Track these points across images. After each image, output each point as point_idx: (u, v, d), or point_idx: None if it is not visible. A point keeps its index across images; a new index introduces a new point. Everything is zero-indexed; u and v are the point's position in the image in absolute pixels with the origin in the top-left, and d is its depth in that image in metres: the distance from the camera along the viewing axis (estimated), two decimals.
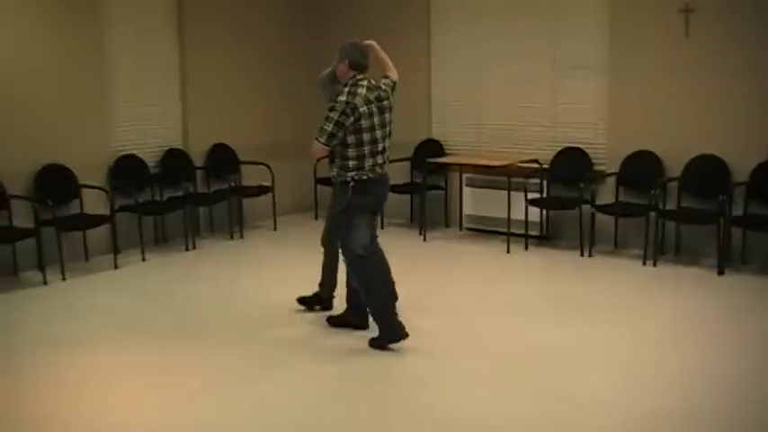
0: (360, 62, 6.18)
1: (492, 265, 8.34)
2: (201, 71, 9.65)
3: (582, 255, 8.42)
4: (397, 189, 9.72)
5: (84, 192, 8.58)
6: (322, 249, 6.78)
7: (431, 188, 9.64)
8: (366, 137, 6.03)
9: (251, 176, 9.89)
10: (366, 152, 6.05)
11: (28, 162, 8.27)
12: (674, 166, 8.32)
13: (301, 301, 6.89)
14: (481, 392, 5.31)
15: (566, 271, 8.09)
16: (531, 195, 8.76)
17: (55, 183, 8.39)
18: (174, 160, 9.45)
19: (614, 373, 5.59)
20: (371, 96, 6.07)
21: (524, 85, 9.22)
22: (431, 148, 9.82)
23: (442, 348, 6.09)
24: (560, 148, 8.96)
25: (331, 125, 5.95)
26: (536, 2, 9.07)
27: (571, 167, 8.81)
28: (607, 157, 8.74)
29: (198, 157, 9.66)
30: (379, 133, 6.10)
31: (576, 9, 8.83)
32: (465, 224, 9.66)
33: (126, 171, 8.95)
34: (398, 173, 9.86)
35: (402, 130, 9.99)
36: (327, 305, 6.80)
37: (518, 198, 8.74)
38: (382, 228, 9.82)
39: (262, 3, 10.31)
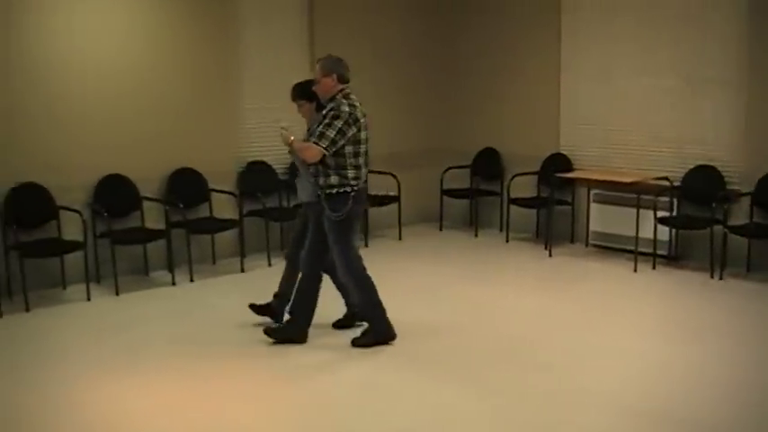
0: (346, 75, 6.25)
1: (618, 284, 8.15)
2: None
3: (712, 277, 8.16)
4: (522, 203, 9.66)
5: (214, 196, 8.78)
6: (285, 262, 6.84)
7: (557, 203, 9.52)
8: (362, 148, 6.19)
9: (377, 185, 9.95)
10: (361, 162, 6.21)
11: (160, 165, 8.52)
12: None
13: (254, 307, 6.84)
14: (597, 412, 5.19)
15: (694, 293, 7.82)
16: (660, 213, 8.54)
17: (186, 186, 8.63)
18: None
19: (739, 401, 5.39)
20: (362, 110, 6.20)
21: (656, 99, 8.99)
22: (558, 162, 9.69)
23: (561, 364, 6.01)
24: (692, 166, 8.70)
25: (334, 132, 6.02)
26: (669, 15, 8.81)
27: (703, 186, 8.55)
28: (742, 175, 8.43)
29: None
30: (368, 146, 6.28)
31: (712, 21, 8.54)
32: (591, 240, 9.49)
33: (255, 176, 9.13)
34: (525, 187, 9.79)
35: (529, 144, 10.01)
36: (279, 318, 6.72)
37: (647, 216, 8.54)
38: (507, 242, 9.79)
39: (393, 13, 10.38)
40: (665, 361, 6.07)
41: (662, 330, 6.79)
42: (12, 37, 7.63)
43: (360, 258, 6.43)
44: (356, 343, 6.36)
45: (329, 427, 5.08)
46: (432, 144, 10.81)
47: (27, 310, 7.31)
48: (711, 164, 8.59)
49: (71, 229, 7.83)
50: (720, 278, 8.12)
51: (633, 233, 8.58)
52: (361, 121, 6.14)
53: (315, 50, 9.52)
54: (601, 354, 6.23)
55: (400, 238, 10.00)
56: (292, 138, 6.23)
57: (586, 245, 9.51)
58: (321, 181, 6.16)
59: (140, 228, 8.31)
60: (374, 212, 9.89)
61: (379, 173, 9.81)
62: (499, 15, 10.28)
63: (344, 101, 6.11)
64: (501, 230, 10.16)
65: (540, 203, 9.70)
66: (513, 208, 9.78)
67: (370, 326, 6.42)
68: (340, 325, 6.76)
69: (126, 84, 8.28)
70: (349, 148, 6.09)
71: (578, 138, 9.69)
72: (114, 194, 8.18)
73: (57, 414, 5.24)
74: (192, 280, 8.21)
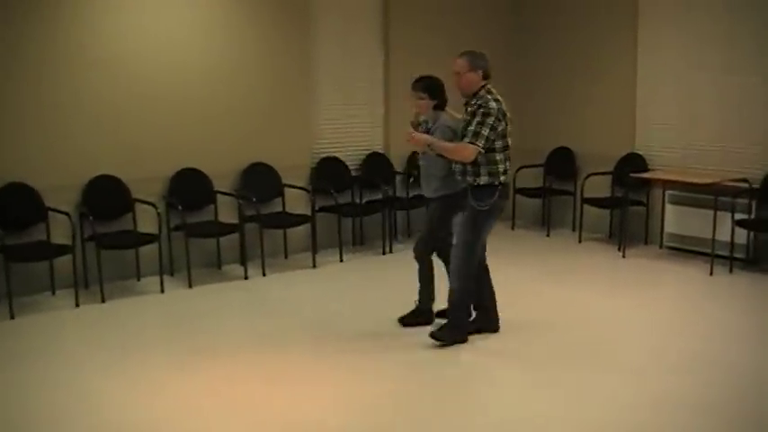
0: (489, 71, 6.18)
1: (693, 287, 7.98)
2: (404, 77, 9.72)
3: None
4: (596, 203, 9.55)
5: (287, 191, 8.83)
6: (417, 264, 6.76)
7: (632, 203, 9.39)
8: (509, 141, 6.16)
9: None
10: (509, 156, 6.18)
11: (235, 160, 8.60)
12: None
13: (403, 321, 6.75)
14: (675, 415, 5.10)
15: None
16: (738, 216, 8.37)
17: (259, 181, 8.69)
18: (375, 164, 9.59)
19: None
20: (504, 104, 6.14)
21: (734, 98, 8.78)
22: (633, 162, 9.55)
23: (635, 366, 5.90)
24: None
25: (488, 130, 5.99)
26: (748, 12, 8.58)
27: None
28: None
29: (398, 162, 9.76)
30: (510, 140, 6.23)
31: None
32: (666, 242, 9.34)
33: (327, 172, 9.17)
34: (599, 187, 9.68)
35: (604, 144, 9.89)
36: (429, 318, 6.69)
37: (724, 218, 8.38)
38: (580, 242, 9.68)
39: (468, 14, 10.32)
40: (741, 365, 5.93)
41: (739, 335, 6.63)
42: (103, 37, 7.77)
43: (479, 258, 6.36)
44: (434, 335, 6.29)
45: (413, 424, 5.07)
46: (514, 143, 10.72)
47: (103, 300, 7.43)
48: None
49: (146, 221, 7.94)
50: None
51: (709, 235, 8.42)
52: (509, 115, 6.13)
53: (389, 50, 9.56)
54: (676, 357, 6.11)
55: None
56: (432, 139, 6.22)
57: (660, 246, 9.37)
58: (470, 179, 6.13)
59: (214, 221, 8.39)
60: None
61: None
62: (575, 16, 10.17)
63: (489, 96, 6.08)
64: (573, 230, 10.07)
65: (614, 204, 9.59)
66: (587, 208, 9.68)
67: (451, 322, 6.33)
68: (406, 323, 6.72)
69: (203, 81, 8.37)
70: (499, 143, 6.08)
71: (654, 138, 9.54)
72: (189, 188, 8.27)
73: (134, 399, 5.30)
74: (264, 274, 8.27)
